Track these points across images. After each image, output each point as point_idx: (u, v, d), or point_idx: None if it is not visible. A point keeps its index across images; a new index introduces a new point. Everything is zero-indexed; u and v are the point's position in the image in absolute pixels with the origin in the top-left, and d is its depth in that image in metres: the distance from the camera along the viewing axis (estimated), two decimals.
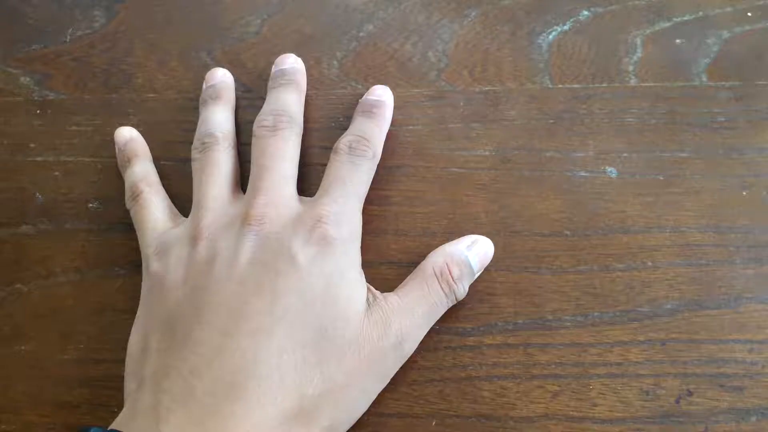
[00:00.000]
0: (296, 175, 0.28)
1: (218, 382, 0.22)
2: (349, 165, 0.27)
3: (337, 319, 0.24)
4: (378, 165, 0.28)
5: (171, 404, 0.21)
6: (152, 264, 0.26)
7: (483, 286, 0.27)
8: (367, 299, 0.25)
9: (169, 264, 0.25)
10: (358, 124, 0.28)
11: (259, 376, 0.22)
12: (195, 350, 0.22)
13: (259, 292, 0.23)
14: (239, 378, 0.22)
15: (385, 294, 0.26)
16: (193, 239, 0.25)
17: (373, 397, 0.25)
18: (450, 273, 0.25)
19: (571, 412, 0.25)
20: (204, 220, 0.26)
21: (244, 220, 0.25)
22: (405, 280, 0.26)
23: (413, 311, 0.25)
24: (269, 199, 0.25)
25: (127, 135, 0.30)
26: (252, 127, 0.28)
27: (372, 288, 0.26)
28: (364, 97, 0.29)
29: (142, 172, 0.29)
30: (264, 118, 0.28)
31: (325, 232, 0.24)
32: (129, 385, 0.24)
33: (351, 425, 0.24)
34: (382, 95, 0.29)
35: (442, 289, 0.25)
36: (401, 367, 0.26)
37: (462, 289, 0.26)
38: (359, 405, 0.24)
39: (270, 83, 0.30)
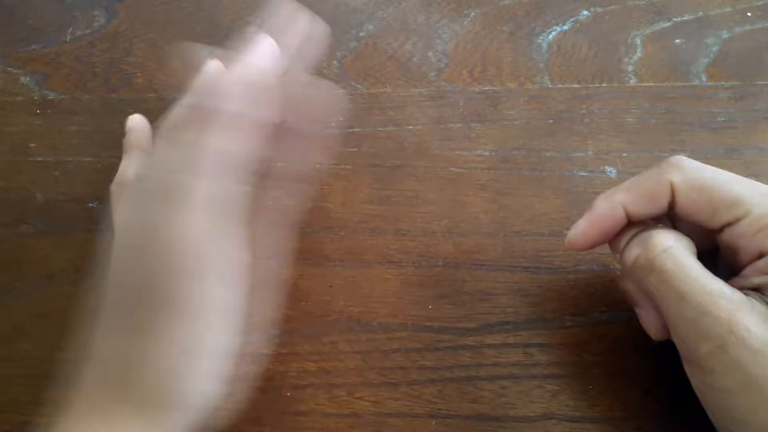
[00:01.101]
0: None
1: None
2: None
3: None
4: (378, 165, 0.28)
5: None
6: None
7: (483, 286, 0.27)
8: None
9: None
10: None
11: None
12: None
13: None
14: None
15: None
16: None
17: None
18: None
19: (571, 412, 0.25)
20: None
21: None
22: None
23: None
24: None
25: (130, 125, 0.30)
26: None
27: None
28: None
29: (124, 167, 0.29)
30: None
31: None
32: None
33: None
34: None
35: None
36: (401, 367, 0.26)
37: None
38: None
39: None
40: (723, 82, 0.30)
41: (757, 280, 0.21)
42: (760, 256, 0.21)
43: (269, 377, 0.25)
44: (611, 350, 0.26)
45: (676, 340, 0.22)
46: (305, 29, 0.26)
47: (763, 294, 0.20)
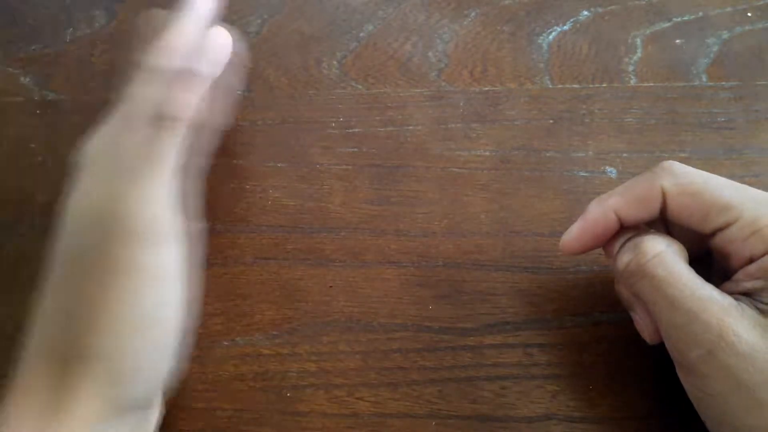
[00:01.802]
0: None
1: None
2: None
3: None
4: (378, 165, 0.28)
5: None
6: None
7: (483, 286, 0.27)
8: None
9: None
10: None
11: None
12: None
13: None
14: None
15: None
16: None
17: None
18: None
19: (571, 412, 0.25)
20: None
21: None
22: None
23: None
24: None
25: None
26: (250, 125, 0.28)
27: None
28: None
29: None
30: None
31: None
32: None
33: None
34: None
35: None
36: (401, 368, 0.26)
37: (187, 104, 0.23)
38: None
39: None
40: (723, 82, 0.30)
41: (748, 285, 0.21)
42: (751, 260, 0.21)
43: (269, 377, 0.25)
44: (611, 350, 0.26)
45: (668, 345, 0.22)
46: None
47: (754, 298, 0.20)
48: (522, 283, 0.27)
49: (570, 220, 0.28)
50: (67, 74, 0.33)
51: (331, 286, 0.27)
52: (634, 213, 0.23)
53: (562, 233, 0.27)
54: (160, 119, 0.22)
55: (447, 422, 0.25)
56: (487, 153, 0.29)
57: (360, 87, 0.31)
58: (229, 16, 0.33)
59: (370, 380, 0.25)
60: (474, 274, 0.27)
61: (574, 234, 0.24)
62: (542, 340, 0.26)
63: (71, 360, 0.20)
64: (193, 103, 0.22)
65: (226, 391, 0.25)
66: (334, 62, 0.32)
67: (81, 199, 0.22)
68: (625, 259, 0.23)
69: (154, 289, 0.21)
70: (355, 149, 0.30)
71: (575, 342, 0.26)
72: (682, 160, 0.28)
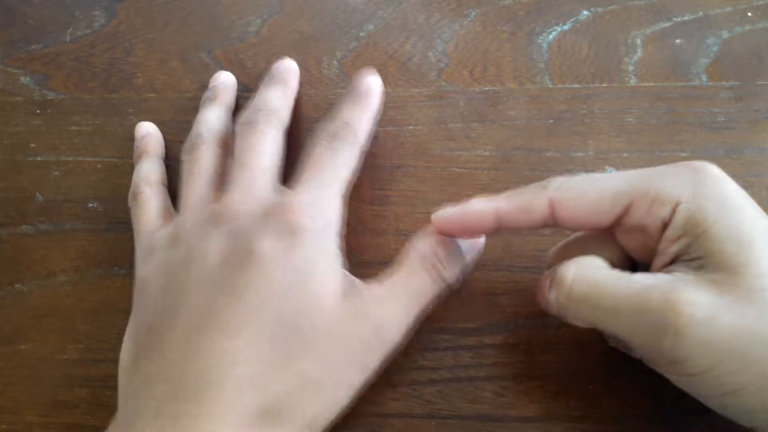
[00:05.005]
0: (275, 167, 0.26)
1: (185, 385, 0.21)
2: (327, 151, 0.25)
3: (306, 311, 0.23)
4: (378, 165, 0.28)
5: (142, 412, 0.21)
6: (140, 268, 0.26)
7: (483, 286, 0.27)
8: (344, 289, 0.24)
9: (152, 268, 0.25)
10: (342, 110, 0.27)
11: (225, 375, 0.21)
12: (166, 355, 0.22)
13: (226, 290, 0.22)
14: (206, 379, 0.21)
15: (368, 281, 0.25)
16: (173, 241, 0.25)
17: (356, 387, 0.24)
18: (436, 255, 0.25)
19: (571, 412, 0.25)
20: (184, 222, 0.25)
21: (218, 219, 0.24)
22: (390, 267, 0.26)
23: (395, 297, 0.24)
24: (242, 196, 0.25)
25: (144, 131, 0.30)
26: None
27: (352, 277, 0.25)
28: (351, 83, 0.28)
29: (146, 171, 0.29)
30: (245, 114, 0.28)
31: (293, 221, 0.23)
32: (119, 398, 0.24)
33: (334, 417, 0.23)
34: (370, 82, 0.28)
35: (427, 272, 0.25)
36: (401, 368, 0.26)
37: (451, 273, 0.25)
38: (339, 397, 0.23)
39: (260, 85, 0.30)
40: (723, 82, 0.30)
41: (673, 249, 0.20)
42: (665, 226, 0.21)
43: None
44: (611, 350, 0.26)
45: (640, 353, 0.22)
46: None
47: (685, 261, 0.20)
48: (522, 283, 0.27)
49: None
50: (67, 74, 0.33)
51: None
52: (514, 219, 0.23)
53: (562, 233, 0.27)
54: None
55: (447, 422, 0.25)
56: (487, 153, 0.29)
57: None
58: (229, 16, 0.33)
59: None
60: (474, 274, 0.27)
61: (447, 216, 0.24)
62: (543, 340, 0.26)
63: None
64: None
65: None
66: (334, 62, 0.32)
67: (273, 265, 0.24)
68: (552, 298, 0.22)
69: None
70: None
71: (575, 342, 0.26)
72: (681, 160, 0.28)
